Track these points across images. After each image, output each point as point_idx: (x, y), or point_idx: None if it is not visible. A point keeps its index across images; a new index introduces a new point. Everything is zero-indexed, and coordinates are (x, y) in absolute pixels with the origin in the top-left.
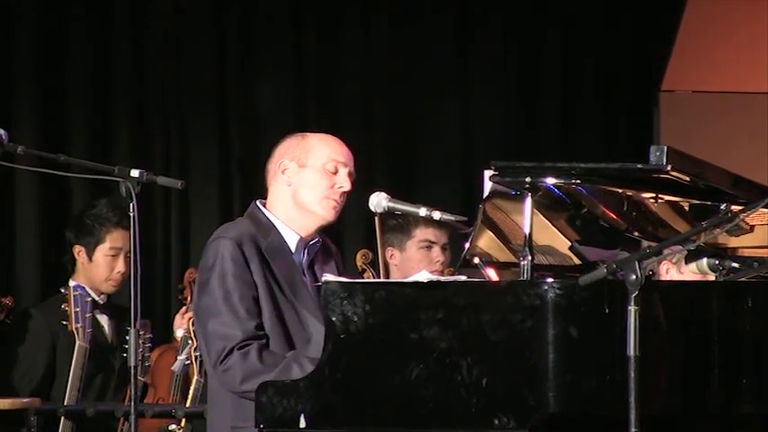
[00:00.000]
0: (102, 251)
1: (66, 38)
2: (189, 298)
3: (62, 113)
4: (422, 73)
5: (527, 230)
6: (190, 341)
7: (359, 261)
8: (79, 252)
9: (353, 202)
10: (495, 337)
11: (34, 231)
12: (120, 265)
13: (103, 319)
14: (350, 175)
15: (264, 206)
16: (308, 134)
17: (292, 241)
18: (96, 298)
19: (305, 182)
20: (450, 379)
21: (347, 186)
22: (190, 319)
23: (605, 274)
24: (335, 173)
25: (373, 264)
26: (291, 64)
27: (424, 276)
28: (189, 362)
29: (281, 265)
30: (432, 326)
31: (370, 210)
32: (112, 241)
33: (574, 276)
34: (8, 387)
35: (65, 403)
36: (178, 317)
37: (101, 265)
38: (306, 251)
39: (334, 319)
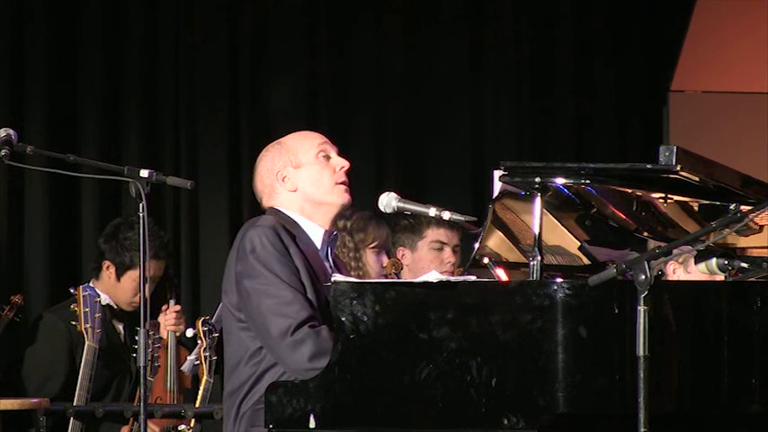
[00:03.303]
0: (131, 276)
1: (77, 38)
2: (168, 294)
3: (72, 113)
4: (433, 73)
5: (536, 230)
6: (199, 341)
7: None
8: (108, 267)
9: (364, 203)
10: (504, 338)
11: (43, 231)
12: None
13: (120, 326)
14: (339, 153)
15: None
16: (281, 139)
17: (317, 236)
18: (114, 306)
19: (308, 179)
20: (459, 379)
21: (346, 163)
22: (199, 319)
23: (615, 275)
24: (329, 158)
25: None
26: (303, 64)
27: (433, 276)
28: (198, 362)
29: (311, 257)
30: (441, 326)
31: (380, 209)
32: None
33: (583, 276)
34: (24, 391)
35: (74, 403)
36: (161, 315)
37: (127, 289)
38: (328, 246)
39: (343, 319)
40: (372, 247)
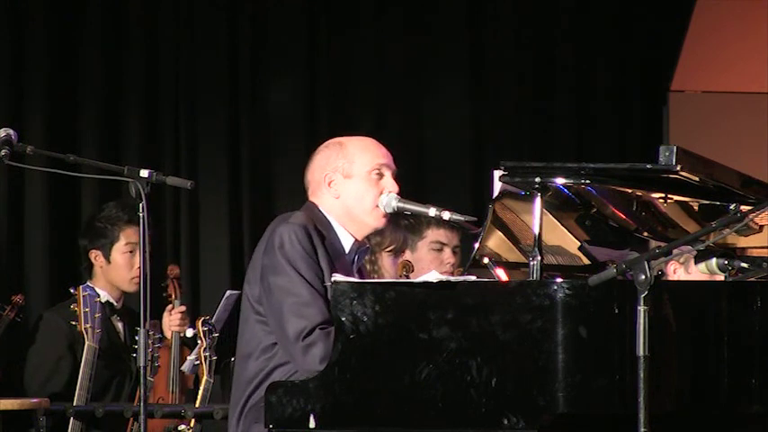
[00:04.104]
0: (119, 250)
1: (77, 38)
2: (173, 295)
3: (72, 113)
4: (433, 73)
5: (536, 230)
6: (199, 341)
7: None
8: (96, 257)
9: None
10: (504, 338)
11: (43, 231)
12: (139, 261)
13: (120, 325)
14: (394, 175)
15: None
16: (345, 141)
17: (347, 243)
18: (115, 303)
19: (353, 193)
20: (459, 379)
21: (395, 190)
22: (199, 319)
23: (615, 275)
24: (381, 177)
25: None
26: (303, 64)
27: (433, 276)
28: (198, 362)
29: (338, 262)
30: (441, 326)
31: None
32: (127, 238)
33: (583, 276)
34: (26, 391)
35: (74, 403)
36: (165, 315)
37: (121, 265)
38: (357, 255)
39: (343, 319)
40: (389, 251)
